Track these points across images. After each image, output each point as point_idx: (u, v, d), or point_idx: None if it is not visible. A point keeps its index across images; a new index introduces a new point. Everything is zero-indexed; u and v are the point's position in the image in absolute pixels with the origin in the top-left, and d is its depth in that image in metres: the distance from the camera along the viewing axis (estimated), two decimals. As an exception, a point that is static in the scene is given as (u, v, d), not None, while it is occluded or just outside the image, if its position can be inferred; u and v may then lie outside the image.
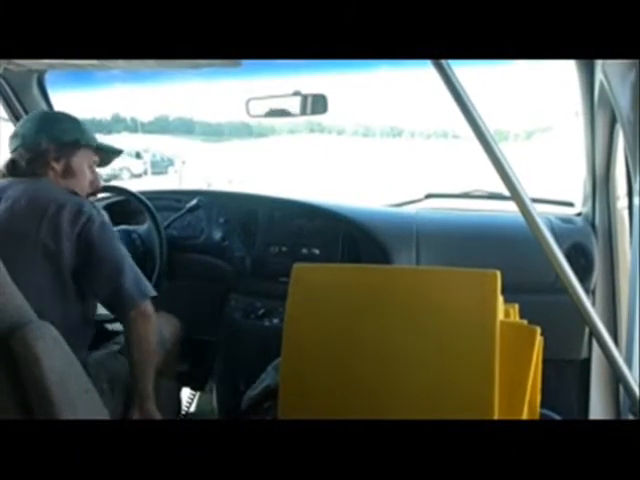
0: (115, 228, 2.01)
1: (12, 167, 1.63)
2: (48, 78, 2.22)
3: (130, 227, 2.05)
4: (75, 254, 1.52)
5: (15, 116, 2.18)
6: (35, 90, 2.20)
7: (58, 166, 1.63)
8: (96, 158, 1.73)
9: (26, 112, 2.17)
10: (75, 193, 1.62)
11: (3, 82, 2.10)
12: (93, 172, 1.73)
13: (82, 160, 1.68)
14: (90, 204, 1.60)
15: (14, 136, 1.67)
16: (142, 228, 2.04)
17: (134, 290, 1.56)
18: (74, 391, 1.23)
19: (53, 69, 2.07)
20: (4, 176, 1.64)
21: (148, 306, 1.59)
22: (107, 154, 1.80)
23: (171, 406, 1.87)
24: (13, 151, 1.64)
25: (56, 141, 1.63)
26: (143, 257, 2.00)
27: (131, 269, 1.58)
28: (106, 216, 1.64)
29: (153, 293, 1.61)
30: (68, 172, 1.65)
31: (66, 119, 1.69)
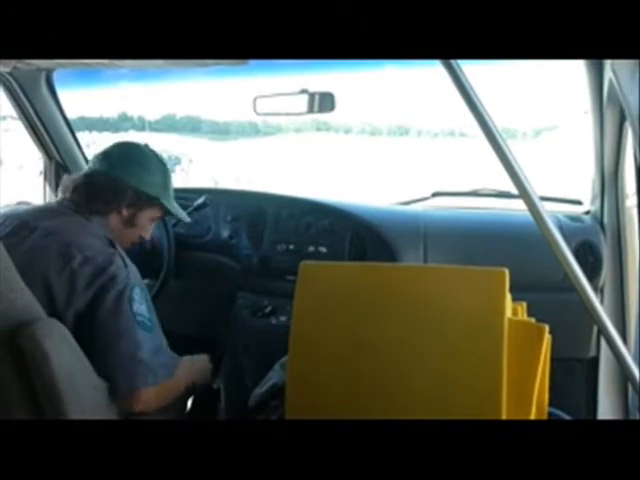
0: None
1: (73, 195, 1.51)
2: (56, 76, 2.23)
3: None
4: (82, 312, 1.38)
5: (24, 114, 2.19)
6: (44, 88, 2.21)
7: (126, 213, 1.55)
8: (160, 215, 1.67)
9: (35, 110, 2.18)
10: (112, 244, 1.49)
11: (12, 80, 2.11)
12: (150, 225, 1.66)
13: (149, 215, 1.61)
14: (121, 261, 1.45)
15: (97, 164, 1.55)
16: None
17: (125, 376, 1.37)
18: (82, 388, 1.23)
19: (61, 67, 2.08)
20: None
21: (136, 401, 1.39)
22: (172, 214, 1.71)
23: (177, 404, 1.87)
24: (87, 178, 1.53)
25: (139, 190, 1.54)
26: (151, 255, 2.01)
27: (139, 349, 1.39)
28: (135, 275, 1.48)
29: (148, 384, 1.40)
30: (131, 222, 1.57)
31: (158, 170, 1.60)
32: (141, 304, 1.43)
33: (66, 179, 1.58)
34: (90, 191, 1.51)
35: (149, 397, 1.41)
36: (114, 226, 1.55)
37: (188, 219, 1.79)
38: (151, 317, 1.47)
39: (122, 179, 1.53)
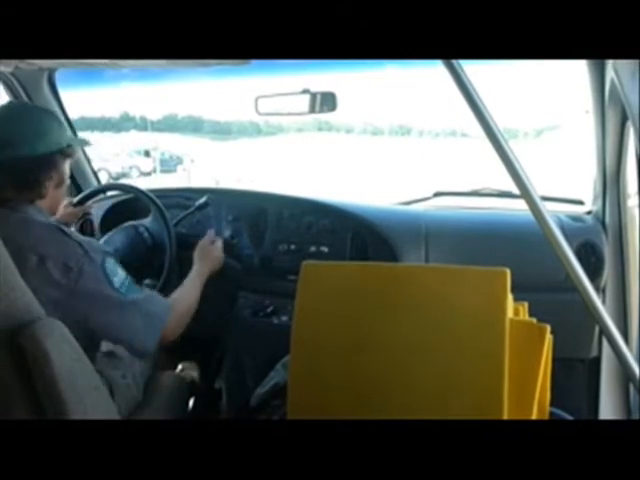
0: (122, 225, 2.02)
1: None
2: (58, 76, 2.24)
3: (136, 222, 2.05)
4: (64, 311, 1.27)
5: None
6: (46, 88, 2.21)
7: (56, 178, 1.42)
8: (72, 153, 1.49)
9: (37, 110, 2.18)
10: (60, 229, 1.38)
11: (14, 80, 2.11)
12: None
13: (69, 162, 1.47)
14: (79, 248, 1.36)
15: None
16: (148, 220, 2.04)
17: (145, 340, 1.47)
18: (83, 388, 1.23)
19: (63, 67, 2.08)
20: None
21: (165, 339, 1.53)
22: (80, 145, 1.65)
23: (179, 404, 1.88)
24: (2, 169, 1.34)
25: (58, 151, 1.41)
26: (152, 250, 2.00)
27: (136, 315, 1.43)
28: (96, 250, 1.41)
29: (163, 323, 1.51)
30: (60, 183, 1.45)
31: (51, 117, 1.44)
32: (115, 274, 1.41)
33: None
34: (18, 182, 1.37)
35: (171, 331, 1.55)
36: (50, 199, 1.44)
37: (89, 143, 1.76)
38: (127, 276, 1.45)
39: (41, 152, 1.38)
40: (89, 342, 1.38)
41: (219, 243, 1.93)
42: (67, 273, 1.33)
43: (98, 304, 1.37)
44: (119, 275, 1.42)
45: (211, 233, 1.94)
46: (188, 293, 1.71)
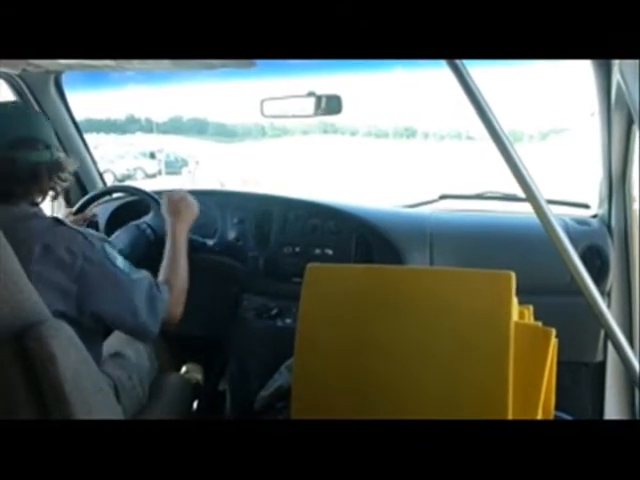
0: (124, 227, 2.02)
1: None
2: (65, 79, 2.25)
3: (138, 221, 2.05)
4: (75, 298, 1.35)
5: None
6: (52, 91, 2.22)
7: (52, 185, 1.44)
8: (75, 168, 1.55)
9: (43, 112, 2.19)
10: (59, 220, 1.41)
11: (21, 83, 2.12)
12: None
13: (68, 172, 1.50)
14: (78, 235, 1.39)
15: None
16: (149, 217, 2.04)
17: (151, 321, 1.47)
18: (88, 390, 1.23)
19: (70, 70, 2.09)
20: None
21: (172, 318, 1.55)
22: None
23: (183, 406, 1.88)
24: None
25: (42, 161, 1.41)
26: (155, 246, 2.00)
27: (141, 296, 1.45)
28: (94, 236, 1.45)
29: (166, 302, 1.52)
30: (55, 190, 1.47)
31: (43, 121, 1.46)
32: (116, 257, 1.44)
33: None
34: (22, 180, 1.39)
35: (174, 308, 1.56)
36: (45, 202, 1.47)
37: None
38: (126, 260, 1.47)
39: (37, 161, 1.40)
40: (95, 333, 1.45)
41: (189, 197, 1.83)
42: (71, 258, 1.35)
43: (104, 284, 1.39)
44: (119, 258, 1.44)
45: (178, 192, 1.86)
46: (178, 264, 1.67)
